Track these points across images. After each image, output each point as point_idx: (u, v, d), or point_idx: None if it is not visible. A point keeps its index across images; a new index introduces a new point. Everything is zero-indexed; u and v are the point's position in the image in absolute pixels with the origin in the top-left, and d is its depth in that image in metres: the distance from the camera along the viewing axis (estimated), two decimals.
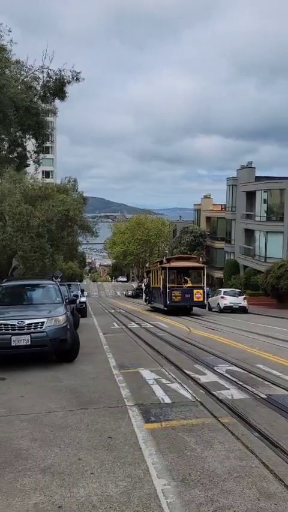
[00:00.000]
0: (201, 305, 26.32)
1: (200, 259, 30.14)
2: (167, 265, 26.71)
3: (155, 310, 29.22)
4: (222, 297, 28.72)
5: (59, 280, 15.88)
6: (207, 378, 7.79)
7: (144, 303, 34.73)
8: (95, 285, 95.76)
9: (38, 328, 8.79)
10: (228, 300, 28.29)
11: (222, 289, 31.62)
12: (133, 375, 8.10)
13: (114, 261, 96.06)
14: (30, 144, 16.77)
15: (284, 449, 4.46)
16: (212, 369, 8.51)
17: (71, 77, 15.26)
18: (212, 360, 9.53)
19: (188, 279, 26.55)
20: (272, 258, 35.80)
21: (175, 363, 9.21)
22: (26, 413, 5.82)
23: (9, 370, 8.65)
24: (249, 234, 42.36)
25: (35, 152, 16.96)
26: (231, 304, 28.06)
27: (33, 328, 8.76)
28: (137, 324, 19.25)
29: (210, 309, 30.14)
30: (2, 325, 8.71)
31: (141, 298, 39.28)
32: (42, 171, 62.58)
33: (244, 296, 29.45)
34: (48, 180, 54.93)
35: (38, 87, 15.50)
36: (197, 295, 25.50)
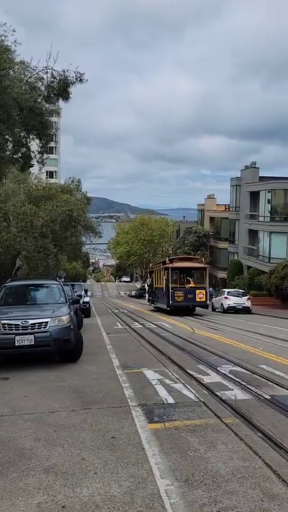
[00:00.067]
0: (203, 305, 26.33)
1: (203, 260, 30.13)
2: (170, 265, 26.77)
3: (158, 310, 29.24)
4: (225, 298, 28.69)
5: (63, 280, 15.91)
6: (211, 378, 7.78)
7: (147, 303, 34.76)
8: (98, 285, 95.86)
9: (42, 328, 8.81)
10: (231, 301, 28.25)
11: (226, 290, 31.60)
12: (136, 375, 8.10)
13: (117, 261, 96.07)
14: (34, 145, 16.79)
15: (287, 450, 4.45)
16: (216, 369, 8.50)
17: (74, 77, 15.28)
18: (215, 360, 9.52)
19: (191, 280, 26.60)
20: (276, 258, 35.72)
21: (178, 363, 9.21)
22: (29, 413, 5.83)
23: (12, 370, 8.67)
24: (253, 234, 42.27)
25: (39, 152, 16.98)
26: (235, 305, 28.02)
27: (37, 328, 8.78)
28: (140, 324, 19.25)
29: (213, 309, 30.12)
30: (6, 325, 8.74)
31: (145, 299, 39.30)
32: (46, 172, 62.71)
33: (248, 296, 29.41)
34: (52, 181, 55.03)
35: (42, 88, 15.53)
36: (200, 295, 25.56)
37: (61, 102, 16.60)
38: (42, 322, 8.88)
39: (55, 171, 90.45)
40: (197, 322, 20.50)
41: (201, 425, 5.24)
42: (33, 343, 8.69)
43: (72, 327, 9.34)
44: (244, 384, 7.28)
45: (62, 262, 36.21)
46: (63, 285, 11.76)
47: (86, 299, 25.24)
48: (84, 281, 74.67)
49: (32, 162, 17.51)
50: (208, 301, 26.84)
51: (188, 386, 7.11)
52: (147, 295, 36.45)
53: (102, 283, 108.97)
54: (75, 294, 18.68)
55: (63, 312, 9.47)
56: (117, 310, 30.69)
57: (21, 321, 8.79)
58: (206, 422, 5.35)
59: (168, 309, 25.68)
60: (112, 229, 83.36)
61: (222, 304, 28.74)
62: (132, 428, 5.17)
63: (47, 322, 8.91)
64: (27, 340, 8.68)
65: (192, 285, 26.25)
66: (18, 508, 3.43)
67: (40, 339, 8.73)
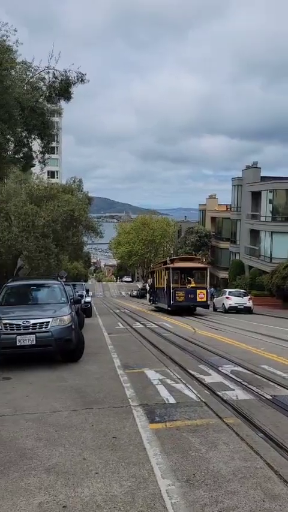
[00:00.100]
0: (204, 305, 26.39)
1: (203, 260, 30.15)
2: (171, 265, 26.86)
3: (159, 310, 29.28)
4: (227, 298, 28.68)
5: (64, 280, 15.93)
6: (212, 378, 7.78)
7: (149, 303, 34.79)
8: (100, 285, 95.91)
9: (43, 328, 8.81)
10: (233, 301, 28.25)
11: (227, 290, 31.57)
12: (138, 375, 8.10)
13: (119, 261, 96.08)
14: (36, 145, 16.81)
15: None
16: (217, 370, 8.50)
17: (76, 78, 15.30)
18: (216, 361, 9.51)
19: (192, 280, 26.68)
20: (278, 258, 35.68)
21: (180, 363, 9.21)
22: (30, 413, 5.84)
23: (14, 370, 8.68)
24: (255, 234, 42.24)
25: (40, 152, 16.99)
26: (236, 305, 28.01)
27: (38, 328, 8.79)
28: (141, 324, 19.25)
29: (215, 309, 30.12)
30: (8, 325, 8.74)
31: (146, 299, 39.32)
32: (48, 171, 62.73)
33: (249, 296, 29.39)
34: (53, 180, 55.06)
35: (44, 88, 15.54)
36: (200, 295, 25.64)
37: (62, 102, 16.63)
38: (43, 322, 8.88)
39: (57, 171, 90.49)
40: (198, 322, 20.50)
41: (202, 426, 5.24)
42: (34, 343, 8.69)
43: (73, 326, 9.34)
44: (245, 384, 7.27)
45: (64, 262, 36.23)
46: (65, 284, 11.77)
47: (88, 299, 25.26)
48: (86, 281, 74.65)
49: (33, 162, 17.53)
50: (209, 301, 26.90)
51: (190, 387, 7.11)
52: (148, 295, 36.49)
53: (104, 283, 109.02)
54: (77, 293, 18.69)
55: (64, 311, 9.47)
56: (118, 310, 30.70)
57: (22, 320, 8.80)
58: (207, 423, 5.35)
59: (169, 308, 25.75)
60: (113, 229, 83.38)
61: (223, 304, 28.74)
62: (134, 428, 5.17)
63: (48, 322, 8.91)
64: (29, 340, 8.68)
65: (193, 285, 26.33)
66: (20, 508, 3.43)
67: (41, 339, 8.73)
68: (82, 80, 15.39)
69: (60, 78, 15.36)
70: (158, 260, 53.21)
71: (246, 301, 28.28)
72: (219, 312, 29.08)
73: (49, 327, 8.85)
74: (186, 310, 25.53)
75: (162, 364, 9.14)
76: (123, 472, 4.02)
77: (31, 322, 8.79)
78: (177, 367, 8.78)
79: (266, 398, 6.40)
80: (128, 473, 3.99)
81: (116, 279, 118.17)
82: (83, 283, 39.58)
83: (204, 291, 25.87)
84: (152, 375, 8.04)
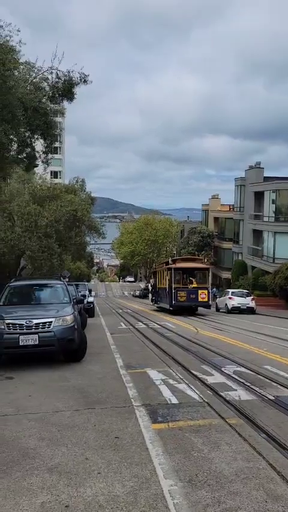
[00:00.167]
0: (206, 305, 26.49)
1: (205, 260, 30.21)
2: (173, 266, 27.00)
3: (161, 310, 29.35)
4: (230, 298, 28.67)
5: (67, 280, 15.94)
6: (215, 378, 7.77)
7: (151, 303, 34.84)
8: (102, 285, 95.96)
9: (46, 328, 8.83)
10: (236, 301, 28.23)
11: (230, 290, 31.56)
12: (140, 375, 8.10)
13: (121, 261, 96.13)
14: (39, 145, 16.83)
15: None
16: (220, 370, 8.49)
17: (79, 78, 15.30)
18: (219, 361, 9.50)
19: (193, 280, 26.80)
20: (281, 258, 35.62)
21: (182, 363, 9.20)
22: (33, 413, 5.85)
23: (17, 370, 8.70)
24: (258, 234, 42.18)
25: (43, 152, 17.01)
26: (239, 305, 27.99)
27: (41, 328, 8.80)
28: (144, 324, 19.26)
29: (218, 310, 30.12)
30: (10, 325, 8.76)
31: (149, 299, 39.35)
32: (51, 172, 62.83)
33: (252, 297, 29.36)
34: (56, 181, 55.11)
35: (47, 88, 15.55)
36: (202, 295, 25.77)
37: (66, 103, 16.64)
38: (46, 322, 8.89)
39: (59, 171, 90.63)
40: (200, 323, 20.49)
41: (205, 426, 5.24)
42: (37, 342, 8.71)
43: (76, 326, 9.35)
44: (248, 384, 7.26)
45: (66, 262, 36.30)
46: (67, 284, 11.78)
47: (90, 299, 25.29)
48: (88, 281, 74.79)
49: (36, 162, 17.55)
50: (210, 301, 27.00)
51: (192, 387, 7.10)
52: (150, 295, 36.55)
53: (106, 283, 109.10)
54: (79, 293, 18.71)
55: (67, 311, 9.48)
56: (121, 310, 30.72)
57: (25, 320, 8.82)
58: (210, 423, 5.34)
59: (171, 308, 25.85)
60: (116, 229, 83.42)
61: (226, 304, 28.72)
62: (136, 428, 5.17)
63: (51, 322, 8.92)
64: (32, 339, 8.70)
65: (194, 285, 26.44)
66: (22, 508, 3.43)
67: (44, 339, 8.75)
68: (85, 81, 15.41)
69: (63, 79, 15.37)
70: (160, 260, 53.23)
71: (249, 302, 28.25)
72: (222, 312, 29.06)
73: (52, 326, 8.86)
74: (188, 310, 25.71)
75: (165, 364, 9.13)
76: (126, 472, 4.02)
77: (34, 322, 8.80)
78: (180, 368, 8.77)
79: (269, 399, 6.39)
80: (130, 473, 3.99)
81: (119, 279, 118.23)
82: (86, 283, 39.65)
83: (206, 291, 26.03)
84: (154, 375, 8.04)
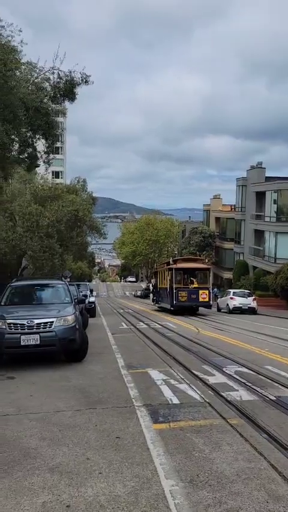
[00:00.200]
0: (206, 305, 26.54)
1: (206, 261, 30.25)
2: (174, 266, 27.05)
3: (162, 310, 29.37)
4: (231, 298, 28.66)
5: (68, 280, 15.92)
6: (216, 378, 7.77)
7: (152, 303, 34.87)
8: (104, 285, 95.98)
9: (47, 328, 8.83)
10: (237, 301, 28.22)
11: (232, 290, 31.53)
12: (141, 375, 8.10)
13: (123, 261, 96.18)
14: (41, 145, 16.84)
15: None
16: (221, 370, 8.49)
17: (80, 79, 15.30)
18: (220, 361, 9.50)
19: (194, 280, 26.85)
20: (282, 259, 35.60)
21: (183, 363, 9.20)
22: (34, 412, 5.85)
23: (18, 369, 8.70)
24: (259, 234, 42.14)
25: (45, 153, 17.02)
26: (240, 305, 27.98)
27: (43, 328, 8.81)
28: (145, 324, 19.26)
29: (219, 310, 30.12)
30: (12, 325, 8.77)
31: (150, 299, 39.37)
32: (52, 172, 62.81)
33: (253, 297, 29.34)
34: (58, 181, 55.11)
35: (49, 88, 15.56)
36: (203, 295, 25.83)
37: (67, 103, 16.65)
38: (47, 322, 8.90)
39: (61, 171, 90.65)
40: (201, 323, 20.48)
41: (206, 426, 5.24)
42: (38, 342, 8.71)
43: (77, 326, 9.35)
44: (249, 384, 7.26)
45: (68, 262, 36.30)
46: (69, 284, 11.79)
47: (92, 299, 25.32)
48: (90, 281, 74.77)
49: (38, 162, 17.56)
50: (211, 302, 27.04)
51: (193, 387, 7.10)
52: (151, 295, 36.59)
53: (108, 283, 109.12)
54: (81, 293, 18.72)
55: (68, 311, 9.49)
56: (122, 310, 30.72)
57: (26, 320, 8.83)
58: (211, 423, 5.34)
59: (172, 308, 25.91)
60: (118, 229, 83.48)
61: (227, 304, 28.70)
62: (137, 428, 5.17)
63: (52, 322, 8.93)
64: (33, 339, 8.70)
65: (195, 285, 26.50)
66: (23, 507, 3.44)
67: (45, 339, 8.75)
68: (86, 81, 15.41)
69: (64, 79, 15.37)
70: (162, 260, 53.25)
71: (250, 302, 28.23)
72: (223, 312, 29.05)
73: (53, 326, 8.87)
74: (189, 310, 25.76)
75: (166, 365, 9.13)
76: (127, 472, 4.02)
77: (35, 322, 8.81)
78: (181, 368, 8.77)
79: (270, 399, 6.38)
80: (131, 473, 3.99)
81: (120, 279, 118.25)
82: (87, 283, 39.64)
83: (207, 292, 26.10)
84: (155, 375, 8.04)
